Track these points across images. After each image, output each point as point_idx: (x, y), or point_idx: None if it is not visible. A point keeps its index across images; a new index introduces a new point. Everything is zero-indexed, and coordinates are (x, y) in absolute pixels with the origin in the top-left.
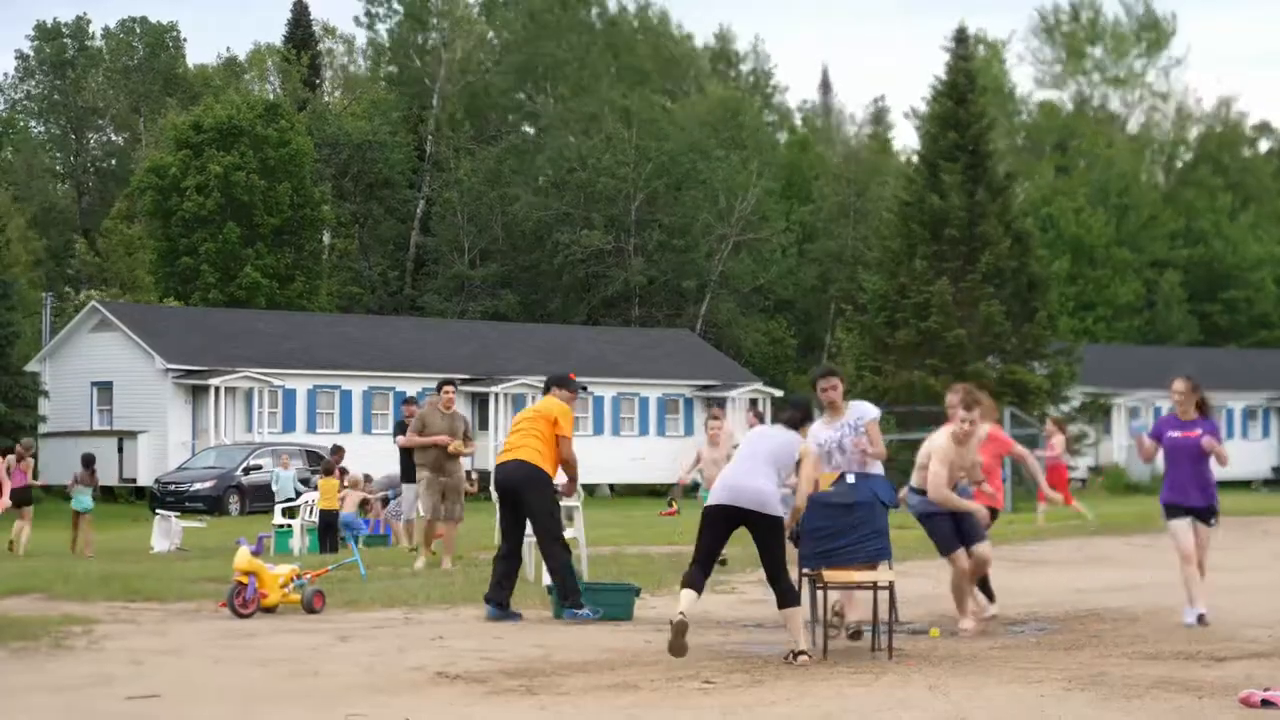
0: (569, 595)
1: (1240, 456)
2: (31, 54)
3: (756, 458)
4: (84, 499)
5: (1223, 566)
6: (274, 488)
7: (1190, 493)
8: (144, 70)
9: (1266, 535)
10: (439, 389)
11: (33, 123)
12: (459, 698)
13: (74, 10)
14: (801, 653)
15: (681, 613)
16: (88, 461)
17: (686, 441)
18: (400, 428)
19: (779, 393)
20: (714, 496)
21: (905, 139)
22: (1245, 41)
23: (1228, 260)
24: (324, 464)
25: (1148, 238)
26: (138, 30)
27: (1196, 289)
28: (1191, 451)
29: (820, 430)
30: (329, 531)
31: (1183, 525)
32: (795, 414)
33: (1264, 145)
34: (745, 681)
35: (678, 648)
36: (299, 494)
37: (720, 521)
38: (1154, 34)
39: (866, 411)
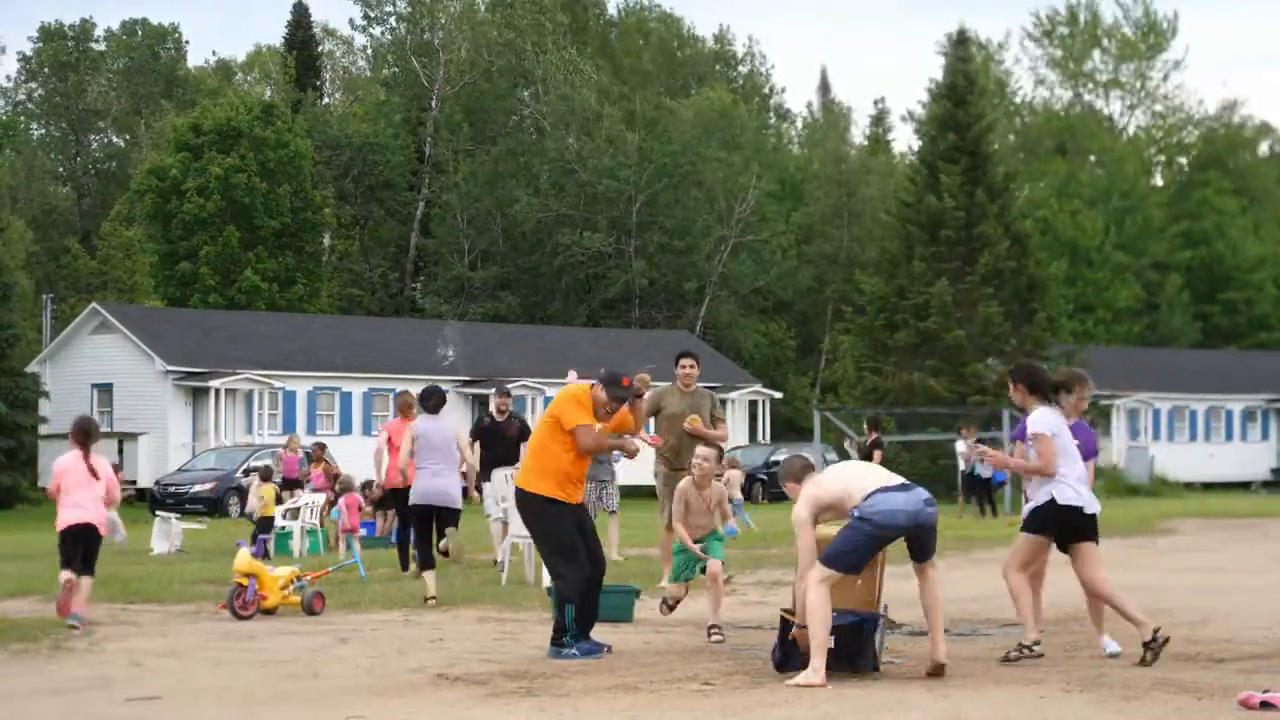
0: (554, 630)
1: (1240, 458)
2: (34, 56)
3: (438, 460)
4: None
5: (1222, 568)
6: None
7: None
8: (145, 72)
9: (1266, 538)
10: (676, 361)
11: (33, 124)
12: (459, 699)
13: (77, 13)
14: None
15: (434, 595)
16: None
17: None
18: (478, 430)
19: (779, 394)
20: (415, 497)
21: (904, 140)
22: (1245, 43)
23: (1227, 262)
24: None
25: (1149, 240)
26: (139, 32)
27: (1196, 291)
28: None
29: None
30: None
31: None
32: (437, 400)
33: (1264, 148)
34: (745, 683)
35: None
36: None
37: (424, 517)
38: (1154, 36)
39: (1034, 421)
